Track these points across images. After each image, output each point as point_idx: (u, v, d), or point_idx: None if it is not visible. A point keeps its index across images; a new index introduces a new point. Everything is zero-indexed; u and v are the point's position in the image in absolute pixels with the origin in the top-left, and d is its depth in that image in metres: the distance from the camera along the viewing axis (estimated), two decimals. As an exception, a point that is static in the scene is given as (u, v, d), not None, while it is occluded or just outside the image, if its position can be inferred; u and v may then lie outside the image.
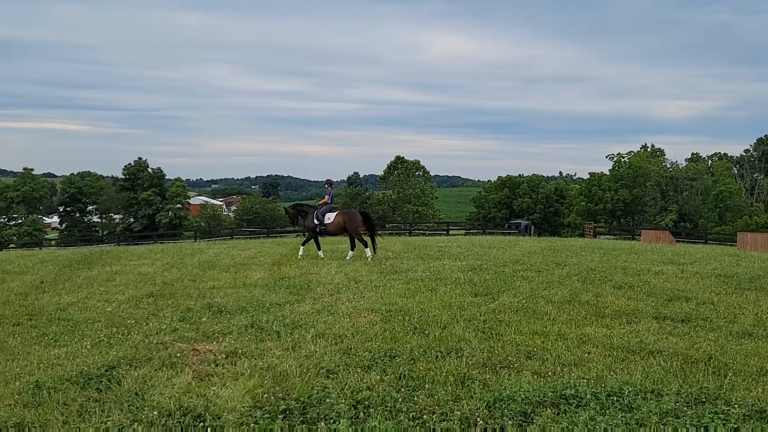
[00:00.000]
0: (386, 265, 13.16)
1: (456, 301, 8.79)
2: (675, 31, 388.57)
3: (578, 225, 58.13)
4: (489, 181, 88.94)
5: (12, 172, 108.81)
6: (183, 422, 4.50)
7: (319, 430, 4.37)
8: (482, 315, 7.83)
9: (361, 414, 4.60)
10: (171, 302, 9.19)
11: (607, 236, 40.54)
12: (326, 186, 16.30)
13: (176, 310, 8.49)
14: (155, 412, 4.63)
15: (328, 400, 4.84)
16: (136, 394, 5.07)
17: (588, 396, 4.86)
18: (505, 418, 4.53)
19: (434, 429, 4.38)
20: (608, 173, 65.55)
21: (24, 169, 72.43)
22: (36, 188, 70.26)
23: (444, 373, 5.41)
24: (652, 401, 4.80)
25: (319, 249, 15.20)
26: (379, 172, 78.04)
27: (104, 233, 72.54)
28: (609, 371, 5.56)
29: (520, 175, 77.30)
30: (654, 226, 51.20)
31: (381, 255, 15.19)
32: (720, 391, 5.04)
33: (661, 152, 76.06)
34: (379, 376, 5.38)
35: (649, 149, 75.75)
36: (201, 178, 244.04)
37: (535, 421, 4.48)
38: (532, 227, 43.28)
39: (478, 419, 4.51)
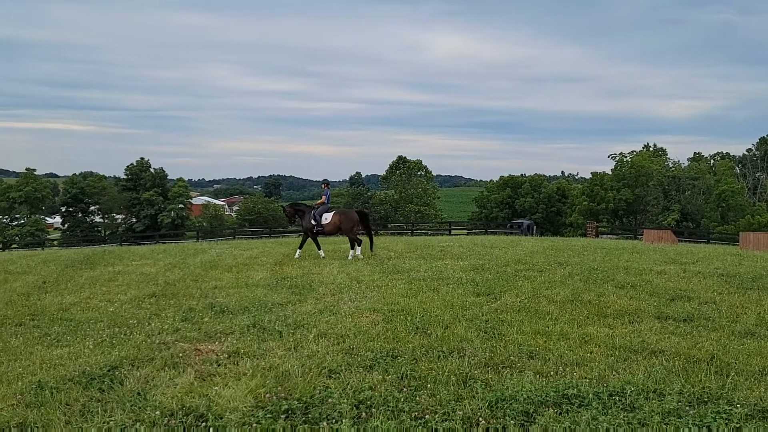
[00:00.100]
0: (388, 264, 13.16)
1: (458, 300, 8.78)
2: (675, 30, 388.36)
3: (580, 225, 58.08)
4: (491, 180, 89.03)
5: (14, 172, 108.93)
6: (185, 422, 4.50)
7: (321, 429, 4.37)
8: (484, 315, 7.82)
9: (363, 414, 4.60)
10: (173, 302, 9.20)
11: (609, 236, 40.50)
12: (323, 186, 16.29)
13: (178, 310, 8.50)
14: (157, 412, 4.64)
15: (330, 399, 4.84)
16: (139, 394, 5.07)
17: (590, 396, 4.85)
18: (507, 417, 4.52)
19: (436, 429, 4.38)
20: (610, 173, 65.50)
21: (26, 169, 72.66)
22: (38, 188, 70.45)
23: (446, 373, 5.41)
24: (654, 401, 4.80)
25: (319, 249, 15.21)
26: (381, 172, 78.15)
27: (106, 233, 72.72)
28: (611, 371, 5.55)
29: (522, 174, 77.39)
30: (656, 226, 51.18)
31: (383, 255, 15.21)
32: (722, 390, 5.03)
33: (664, 152, 76.06)
34: (381, 376, 5.38)
35: (651, 149, 75.68)
36: (203, 178, 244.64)
37: (537, 420, 4.47)
38: (534, 227, 43.28)
39: (480, 419, 4.50)
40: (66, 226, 74.93)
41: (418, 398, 4.87)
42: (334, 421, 4.49)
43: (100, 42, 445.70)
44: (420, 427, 4.38)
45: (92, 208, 75.29)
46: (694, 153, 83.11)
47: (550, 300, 8.84)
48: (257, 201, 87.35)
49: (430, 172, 75.77)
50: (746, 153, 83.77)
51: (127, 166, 74.69)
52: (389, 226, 54.60)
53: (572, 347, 6.34)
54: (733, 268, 12.50)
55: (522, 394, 4.86)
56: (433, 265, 12.81)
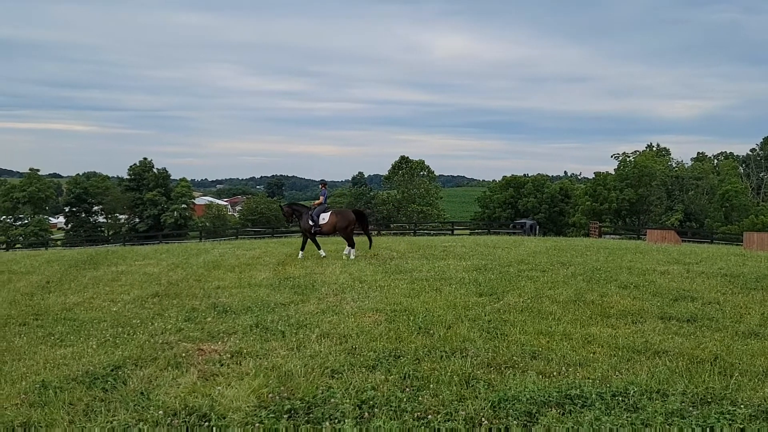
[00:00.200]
0: (391, 265, 13.17)
1: (461, 301, 8.78)
2: (676, 30, 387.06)
3: (583, 225, 57.99)
4: (494, 180, 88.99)
5: (18, 172, 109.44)
6: (188, 422, 4.51)
7: (323, 429, 4.38)
8: (487, 315, 7.82)
9: (366, 414, 4.60)
10: (176, 302, 9.21)
11: (612, 236, 40.43)
12: (320, 186, 16.27)
13: (181, 310, 8.52)
14: (161, 412, 4.65)
15: (332, 399, 4.85)
16: (142, 393, 5.09)
17: (593, 396, 4.85)
18: (510, 418, 4.52)
19: (439, 429, 4.38)
20: (613, 173, 65.43)
21: (30, 169, 72.79)
22: (42, 189, 70.57)
23: (449, 373, 5.41)
24: (657, 401, 4.79)
25: (319, 249, 15.22)
26: (384, 172, 78.20)
27: (110, 233, 72.85)
28: (614, 371, 5.55)
29: (525, 174, 77.31)
30: (659, 226, 51.11)
31: (386, 255, 15.21)
32: (726, 391, 5.02)
33: (667, 151, 75.97)
34: (383, 376, 5.38)
35: (654, 149, 75.59)
36: (206, 179, 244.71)
37: (540, 421, 4.47)
38: (537, 227, 43.24)
39: (483, 419, 4.50)
40: (69, 226, 75.02)
41: (420, 398, 4.87)
42: (336, 421, 4.49)
43: (101, 42, 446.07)
44: (423, 428, 4.39)
45: (95, 208, 75.41)
46: (698, 153, 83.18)
47: (553, 300, 8.84)
48: (260, 201, 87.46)
49: (433, 172, 75.82)
50: (750, 153, 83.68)
51: (130, 167, 74.84)
52: (392, 226, 54.60)
53: (575, 347, 6.33)
54: (737, 268, 12.47)
55: (525, 395, 4.86)
56: (436, 265, 12.81)
